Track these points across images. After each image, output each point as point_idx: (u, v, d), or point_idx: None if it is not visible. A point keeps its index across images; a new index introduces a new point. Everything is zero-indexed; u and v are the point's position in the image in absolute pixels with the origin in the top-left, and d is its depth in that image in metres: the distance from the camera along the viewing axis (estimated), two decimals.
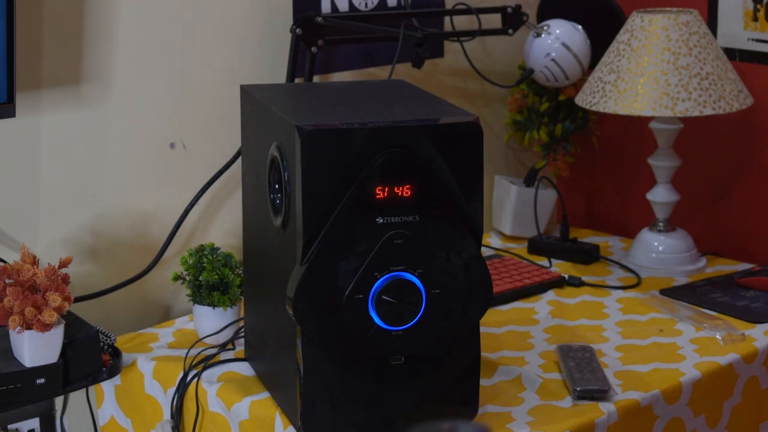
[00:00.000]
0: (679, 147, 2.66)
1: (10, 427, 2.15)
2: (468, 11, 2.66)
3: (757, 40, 2.68)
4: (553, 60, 2.72)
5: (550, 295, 2.53)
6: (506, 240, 2.86)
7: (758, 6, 2.66)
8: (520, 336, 2.32)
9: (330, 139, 1.80)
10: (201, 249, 2.25)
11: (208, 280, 2.21)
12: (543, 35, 2.73)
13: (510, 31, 2.72)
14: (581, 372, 2.07)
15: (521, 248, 2.79)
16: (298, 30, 2.47)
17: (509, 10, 2.71)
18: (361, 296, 1.82)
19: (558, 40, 2.72)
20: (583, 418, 1.99)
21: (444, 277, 1.85)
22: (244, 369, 2.16)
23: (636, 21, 2.55)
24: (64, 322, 1.96)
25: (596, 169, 3.02)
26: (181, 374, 2.15)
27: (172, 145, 2.43)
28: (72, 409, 2.30)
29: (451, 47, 2.80)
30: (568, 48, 2.71)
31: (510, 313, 2.44)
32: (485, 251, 2.73)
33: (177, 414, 2.15)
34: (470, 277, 1.87)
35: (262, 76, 2.51)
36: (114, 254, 2.39)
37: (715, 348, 2.25)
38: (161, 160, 2.42)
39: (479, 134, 1.86)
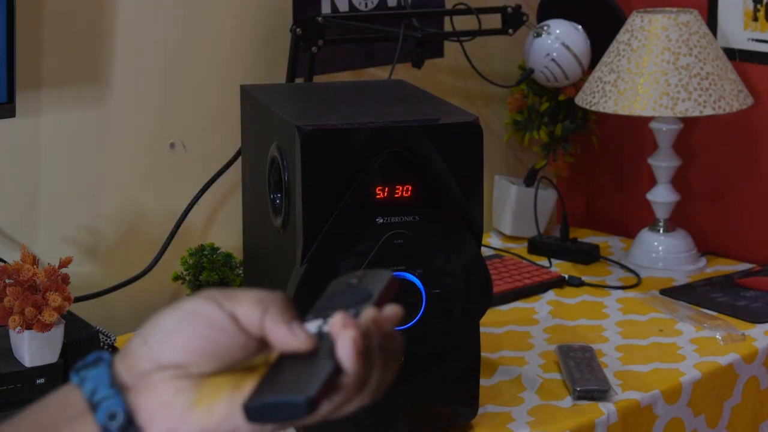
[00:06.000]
0: (679, 147, 2.66)
1: None
2: (468, 11, 2.66)
3: (757, 40, 2.68)
4: (553, 60, 2.72)
5: (550, 295, 2.53)
6: (506, 240, 2.86)
7: (758, 6, 2.66)
8: (520, 336, 2.32)
9: (330, 139, 1.80)
10: (201, 249, 2.25)
11: (208, 280, 2.21)
12: (543, 35, 2.73)
13: (510, 31, 2.72)
14: (581, 372, 2.07)
15: (521, 248, 2.79)
16: (298, 30, 2.47)
17: (509, 10, 2.71)
18: None
19: (558, 40, 2.72)
20: (583, 418, 1.99)
21: (444, 277, 1.85)
22: None
23: (636, 21, 2.55)
24: (64, 322, 1.96)
25: (596, 169, 3.02)
26: None
27: (172, 145, 2.43)
28: None
29: (451, 47, 2.80)
30: (568, 48, 2.71)
31: (510, 313, 2.43)
32: (485, 251, 2.73)
33: None
34: (470, 277, 1.86)
35: (262, 76, 2.51)
36: (114, 254, 2.38)
37: (715, 348, 2.25)
38: (161, 160, 2.42)
39: (479, 134, 1.85)
